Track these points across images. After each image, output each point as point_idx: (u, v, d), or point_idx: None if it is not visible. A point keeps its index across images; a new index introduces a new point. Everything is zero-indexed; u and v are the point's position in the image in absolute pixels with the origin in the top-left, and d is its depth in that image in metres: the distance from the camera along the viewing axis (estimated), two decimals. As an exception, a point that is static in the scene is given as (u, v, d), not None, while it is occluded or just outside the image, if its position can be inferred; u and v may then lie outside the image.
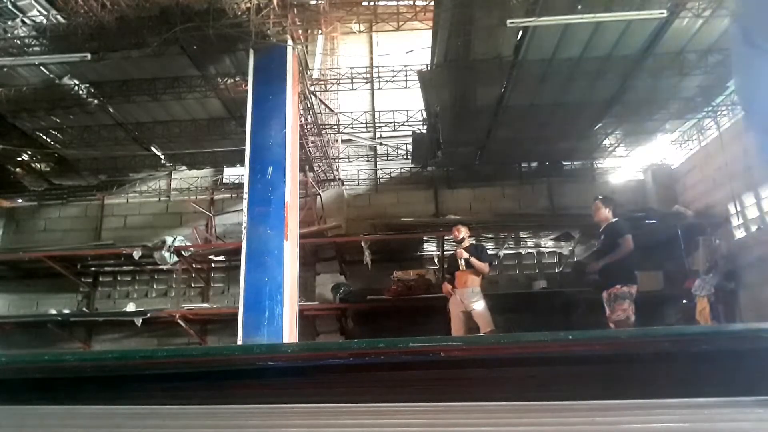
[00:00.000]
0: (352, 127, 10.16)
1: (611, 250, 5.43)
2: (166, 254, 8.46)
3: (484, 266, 6.24)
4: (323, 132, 9.09)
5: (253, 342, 5.31)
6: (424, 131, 9.21)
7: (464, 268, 6.22)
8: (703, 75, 7.44)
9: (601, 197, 5.83)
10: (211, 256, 9.54)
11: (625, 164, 10.35)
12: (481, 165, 10.11)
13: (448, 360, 0.98)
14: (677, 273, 8.29)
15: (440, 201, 10.14)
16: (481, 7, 6.24)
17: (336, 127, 10.01)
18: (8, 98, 7.69)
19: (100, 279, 10.19)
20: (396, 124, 9.76)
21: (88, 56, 6.51)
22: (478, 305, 6.09)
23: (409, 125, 9.61)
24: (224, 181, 10.69)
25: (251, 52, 6.43)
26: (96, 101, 8.09)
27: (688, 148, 9.68)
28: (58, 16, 6.99)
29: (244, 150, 6.18)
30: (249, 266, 5.73)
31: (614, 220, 5.64)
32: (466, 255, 6.21)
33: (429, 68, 7.52)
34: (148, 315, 8.34)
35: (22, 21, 6.98)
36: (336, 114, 10.17)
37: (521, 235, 9.64)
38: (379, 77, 8.94)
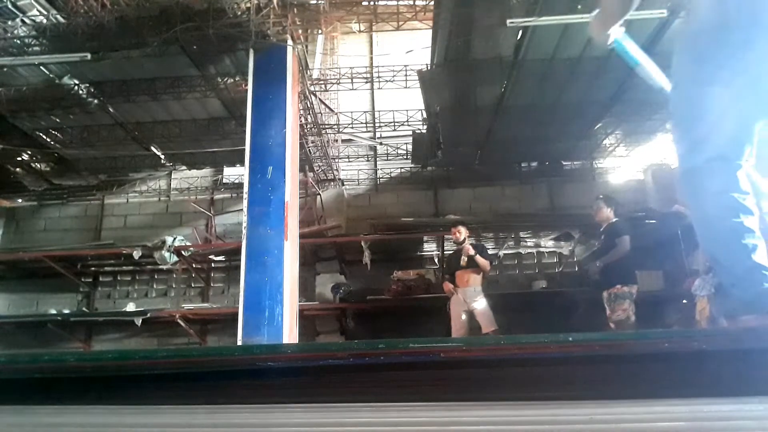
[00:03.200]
0: (352, 127, 10.16)
1: (611, 251, 5.43)
2: (166, 254, 8.46)
3: (486, 263, 6.26)
4: (323, 132, 9.09)
5: (253, 342, 5.32)
6: (424, 131, 9.20)
7: (465, 265, 6.22)
8: (703, 75, 7.42)
9: (602, 197, 5.83)
10: (211, 256, 9.54)
11: (625, 164, 10.35)
12: (481, 165, 10.10)
13: (447, 361, 0.98)
14: (677, 273, 8.27)
15: (440, 201, 10.13)
16: (481, 7, 6.24)
17: (336, 127, 10.00)
18: (8, 98, 7.68)
19: (100, 279, 10.18)
20: (396, 124, 9.76)
21: (88, 56, 6.51)
22: (480, 304, 6.10)
23: (409, 125, 9.60)
24: (224, 181, 10.68)
25: (251, 52, 6.43)
26: (96, 101, 8.08)
27: (688, 148, 9.68)
28: (58, 16, 6.99)
29: (244, 150, 6.18)
30: (249, 266, 5.73)
31: (615, 220, 5.64)
32: (472, 251, 6.21)
33: (429, 68, 7.52)
34: (148, 315, 8.33)
35: (22, 21, 6.98)
36: (336, 114, 10.17)
37: (521, 235, 9.63)
38: (379, 77, 8.94)
